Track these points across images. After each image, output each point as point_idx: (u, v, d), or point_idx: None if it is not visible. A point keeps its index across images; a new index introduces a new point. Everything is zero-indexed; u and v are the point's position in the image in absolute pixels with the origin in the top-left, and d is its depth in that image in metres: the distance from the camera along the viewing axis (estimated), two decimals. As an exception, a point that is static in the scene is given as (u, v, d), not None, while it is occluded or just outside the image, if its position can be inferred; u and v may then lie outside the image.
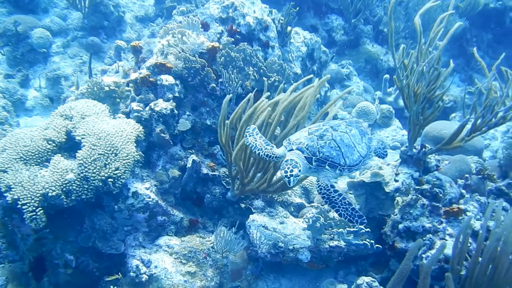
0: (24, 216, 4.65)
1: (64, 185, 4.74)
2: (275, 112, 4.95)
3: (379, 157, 4.56)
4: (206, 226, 5.68)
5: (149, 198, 5.16)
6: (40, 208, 4.67)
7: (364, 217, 3.81)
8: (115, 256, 5.20)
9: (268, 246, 5.16)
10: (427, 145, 5.25)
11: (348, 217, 3.83)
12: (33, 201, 4.64)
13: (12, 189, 4.69)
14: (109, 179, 4.81)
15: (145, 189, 5.19)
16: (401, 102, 9.33)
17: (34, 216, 4.64)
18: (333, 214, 5.43)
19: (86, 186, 4.79)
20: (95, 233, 5.09)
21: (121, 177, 4.87)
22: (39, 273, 5.29)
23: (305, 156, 3.92)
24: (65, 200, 4.76)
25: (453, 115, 9.17)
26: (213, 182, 5.67)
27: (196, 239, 5.39)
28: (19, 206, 4.64)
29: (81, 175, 4.78)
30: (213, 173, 5.61)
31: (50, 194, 4.69)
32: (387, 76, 9.26)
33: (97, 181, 4.78)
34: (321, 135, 3.98)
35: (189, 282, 5.07)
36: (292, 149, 3.98)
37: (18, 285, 5.35)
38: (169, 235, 5.36)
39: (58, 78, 9.10)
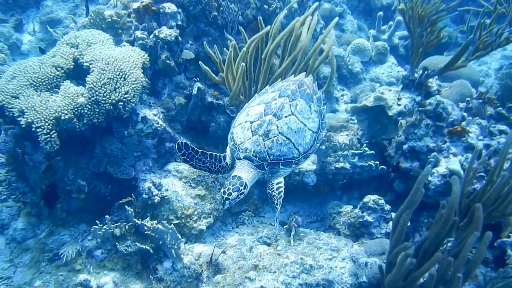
0: (38, 139, 4.88)
1: (76, 109, 4.97)
2: (270, 45, 4.96)
3: None
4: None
5: (158, 124, 5.42)
6: (54, 131, 4.90)
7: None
8: (126, 181, 5.49)
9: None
10: (428, 69, 5.50)
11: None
12: (46, 123, 4.88)
13: (26, 113, 4.92)
14: (120, 103, 5.05)
15: (153, 115, 5.45)
16: (395, 40, 9.56)
17: (48, 139, 4.88)
18: (337, 137, 5.74)
19: (97, 110, 5.02)
20: (106, 159, 5.36)
21: (131, 101, 5.11)
22: (51, 201, 5.59)
23: (255, 165, 3.82)
24: (77, 124, 5.00)
25: (446, 53, 9.41)
26: (217, 111, 5.92)
27: (204, 164, 5.68)
28: (33, 129, 4.87)
29: (92, 99, 5.00)
30: (218, 101, 5.85)
31: (63, 117, 4.92)
32: (381, 13, 9.44)
33: (107, 104, 5.02)
34: (266, 132, 3.76)
35: (199, 204, 5.41)
36: (239, 158, 3.88)
37: (30, 215, 5.66)
38: (177, 161, 5.64)
39: (52, 21, 9.17)
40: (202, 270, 5.14)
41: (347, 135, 6.22)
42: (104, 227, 4.91)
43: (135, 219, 4.90)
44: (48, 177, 5.46)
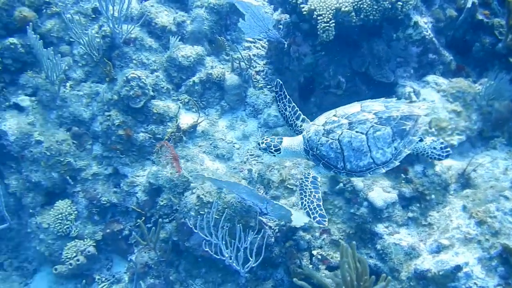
0: (317, 27, 5.41)
1: (356, 3, 5.39)
2: None
3: (434, 159, 4.54)
4: (469, 75, 5.97)
5: (427, 32, 5.62)
6: (333, 21, 5.39)
7: (325, 219, 3.95)
8: (382, 85, 5.81)
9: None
10: None
11: (308, 210, 4.01)
12: (328, 12, 5.38)
13: (309, 1, 5.48)
14: (398, 3, 5.33)
15: (423, 22, 5.64)
16: None
17: (327, 27, 5.40)
18: None
19: (375, 7, 5.38)
20: (369, 59, 5.73)
21: (409, 2, 5.36)
22: (306, 94, 6.17)
23: (303, 147, 4.25)
24: (354, 18, 5.41)
25: None
26: (484, 31, 5.87)
27: (463, 81, 5.74)
28: (314, 16, 5.41)
29: (373, -5, 5.36)
30: (488, 20, 5.80)
31: (342, 9, 5.38)
32: None
33: (387, 2, 5.33)
34: (329, 130, 4.06)
35: (454, 120, 5.50)
36: (301, 131, 4.47)
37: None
38: (436, 75, 5.78)
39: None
40: (451, 182, 5.26)
41: None
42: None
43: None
44: (308, 70, 6.00)
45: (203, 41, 6.60)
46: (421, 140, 4.40)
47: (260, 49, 7.05)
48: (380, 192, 5.10)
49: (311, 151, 4.18)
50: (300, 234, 5.28)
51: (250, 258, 4.73)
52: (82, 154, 6.21)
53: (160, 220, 5.49)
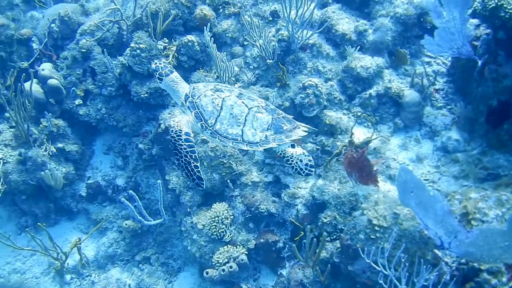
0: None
1: None
2: None
3: (295, 170, 4.63)
4: None
5: None
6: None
7: (203, 182, 4.40)
8: None
9: None
10: None
11: (187, 172, 4.40)
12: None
13: (522, 15, 5.12)
14: None
15: None
16: None
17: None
18: None
19: None
20: None
21: None
22: (496, 120, 5.75)
23: (186, 92, 4.60)
24: None
25: None
26: None
27: None
28: None
29: None
30: None
31: None
32: None
33: None
34: (219, 89, 4.55)
35: None
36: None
37: (462, 129, 6.00)
38: None
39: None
40: None
41: None
42: None
43: None
44: (505, 93, 5.59)
45: (383, 53, 6.50)
46: (293, 147, 4.59)
47: (440, 65, 6.77)
48: None
49: (191, 98, 4.47)
50: (485, 277, 4.87)
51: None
52: (244, 158, 6.35)
53: (324, 237, 5.40)
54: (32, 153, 6.64)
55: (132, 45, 6.50)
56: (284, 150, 4.61)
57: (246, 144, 4.39)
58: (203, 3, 6.82)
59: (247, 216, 6.19)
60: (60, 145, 7.00)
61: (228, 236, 6.15)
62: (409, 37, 6.81)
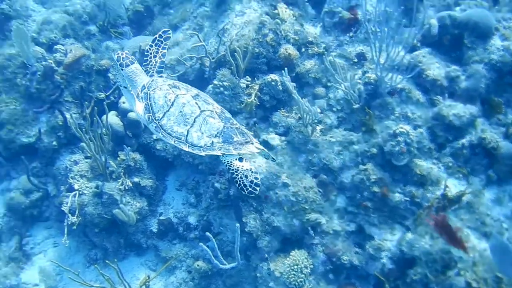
0: None
1: None
2: None
3: (238, 185, 4.56)
4: None
5: None
6: None
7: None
8: None
9: None
10: None
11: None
12: None
13: None
14: None
15: None
16: None
17: None
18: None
19: None
20: None
21: None
22: None
23: (143, 84, 4.70)
24: None
25: None
26: None
27: None
28: None
29: None
30: None
31: None
32: None
33: None
34: (176, 86, 4.63)
35: None
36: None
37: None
38: None
39: None
40: None
41: None
42: None
43: None
44: None
45: (476, 101, 6.24)
46: (241, 160, 4.54)
47: (533, 115, 6.45)
48: None
49: (146, 89, 4.54)
50: None
51: None
52: (325, 205, 6.16)
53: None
54: (109, 187, 6.64)
55: (215, 82, 6.47)
56: (230, 162, 4.55)
57: (189, 146, 4.37)
58: (287, 42, 6.74)
59: (327, 267, 5.98)
60: (136, 179, 6.98)
61: (307, 287, 5.94)
62: (503, 85, 6.53)
